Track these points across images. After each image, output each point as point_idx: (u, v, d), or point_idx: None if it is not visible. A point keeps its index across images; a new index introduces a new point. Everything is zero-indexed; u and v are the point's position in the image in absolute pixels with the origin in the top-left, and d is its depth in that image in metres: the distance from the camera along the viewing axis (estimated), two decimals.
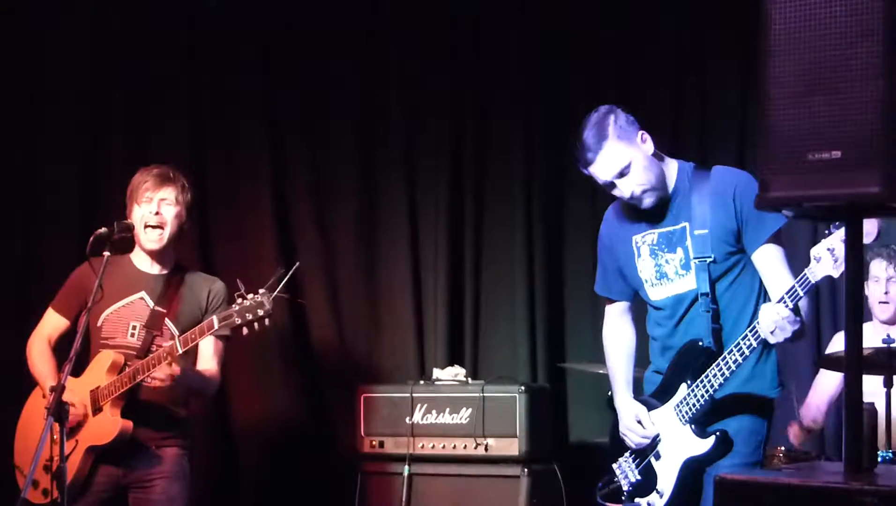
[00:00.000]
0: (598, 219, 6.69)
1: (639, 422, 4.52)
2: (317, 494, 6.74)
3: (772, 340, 4.09)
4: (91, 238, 4.71)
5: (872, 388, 4.70)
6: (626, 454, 4.63)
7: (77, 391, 4.94)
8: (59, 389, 4.40)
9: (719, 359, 4.25)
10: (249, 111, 7.18)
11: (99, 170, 6.89)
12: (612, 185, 4.39)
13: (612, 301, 4.77)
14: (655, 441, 4.51)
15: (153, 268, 5.14)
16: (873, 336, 5.11)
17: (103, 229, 4.74)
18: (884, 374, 5.00)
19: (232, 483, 6.79)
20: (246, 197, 7.10)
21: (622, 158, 4.33)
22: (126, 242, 4.98)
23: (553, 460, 6.23)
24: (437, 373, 6.53)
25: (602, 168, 4.36)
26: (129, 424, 4.91)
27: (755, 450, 4.41)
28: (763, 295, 4.40)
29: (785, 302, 4.05)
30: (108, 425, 4.89)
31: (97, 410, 4.94)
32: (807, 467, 4.02)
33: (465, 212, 7.15)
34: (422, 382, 6.47)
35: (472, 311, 7.11)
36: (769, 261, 4.35)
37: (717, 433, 4.34)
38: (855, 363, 3.28)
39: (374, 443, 6.31)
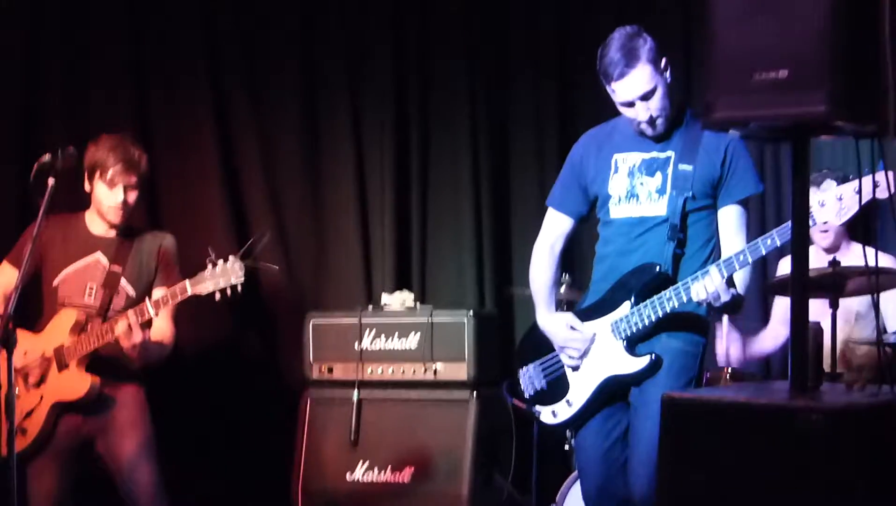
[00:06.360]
0: (542, 147, 6.84)
1: (573, 328, 4.57)
2: (268, 421, 6.73)
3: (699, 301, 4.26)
4: (35, 166, 4.62)
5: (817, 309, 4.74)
6: (537, 362, 4.71)
7: (35, 349, 4.93)
8: (5, 317, 4.34)
9: (679, 283, 4.30)
10: (189, 51, 7.08)
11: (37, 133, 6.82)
12: (631, 104, 4.42)
13: (558, 214, 4.76)
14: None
15: (109, 232, 5.10)
16: (815, 261, 5.15)
17: (47, 157, 4.61)
18: (829, 296, 5.04)
19: (182, 413, 6.77)
20: (189, 136, 7.02)
21: (650, 81, 4.37)
22: (70, 171, 4.87)
23: (501, 385, 6.26)
24: (385, 298, 6.52)
25: (628, 87, 4.38)
26: (98, 380, 4.90)
27: (685, 386, 4.44)
28: (717, 248, 4.47)
29: (721, 270, 4.19)
30: (76, 382, 4.88)
31: (63, 366, 4.91)
32: (752, 387, 4.06)
33: (410, 139, 7.11)
34: (370, 307, 6.47)
35: (420, 236, 7.10)
36: (730, 221, 4.47)
37: (652, 356, 4.40)
38: (801, 283, 3.31)
39: (323, 369, 6.32)
